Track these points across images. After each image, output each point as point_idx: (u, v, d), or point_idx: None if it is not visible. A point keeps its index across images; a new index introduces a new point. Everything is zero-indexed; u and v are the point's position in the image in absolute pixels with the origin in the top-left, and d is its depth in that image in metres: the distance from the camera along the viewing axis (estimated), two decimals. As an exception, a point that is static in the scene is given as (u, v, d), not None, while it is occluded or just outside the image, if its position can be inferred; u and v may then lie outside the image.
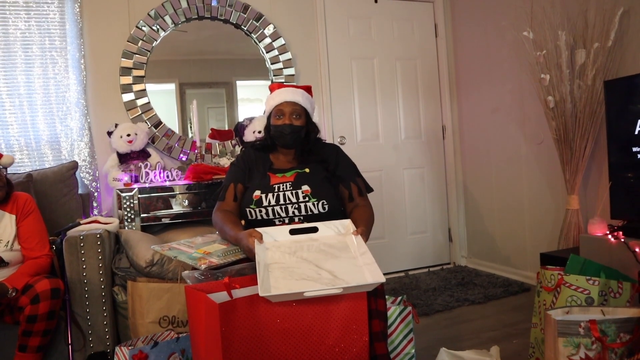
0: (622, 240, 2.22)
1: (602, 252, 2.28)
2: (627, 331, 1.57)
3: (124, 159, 2.93)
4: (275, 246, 1.58)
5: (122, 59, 3.09)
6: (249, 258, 1.64)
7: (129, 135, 2.91)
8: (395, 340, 1.99)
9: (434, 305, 2.95)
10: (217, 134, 3.26)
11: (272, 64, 3.44)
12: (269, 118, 1.97)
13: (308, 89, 2.01)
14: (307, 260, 1.48)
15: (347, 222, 1.66)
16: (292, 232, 1.64)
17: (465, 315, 2.80)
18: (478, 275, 3.61)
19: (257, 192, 1.80)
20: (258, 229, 1.60)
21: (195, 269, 1.60)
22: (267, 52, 3.43)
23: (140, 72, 3.13)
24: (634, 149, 2.34)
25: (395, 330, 1.99)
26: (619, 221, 2.40)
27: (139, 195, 2.68)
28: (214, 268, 1.60)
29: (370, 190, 1.97)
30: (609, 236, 2.29)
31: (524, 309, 2.79)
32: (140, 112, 3.13)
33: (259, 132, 2.95)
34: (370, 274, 1.39)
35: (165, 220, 2.76)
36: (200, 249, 1.73)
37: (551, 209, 3.18)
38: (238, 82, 3.47)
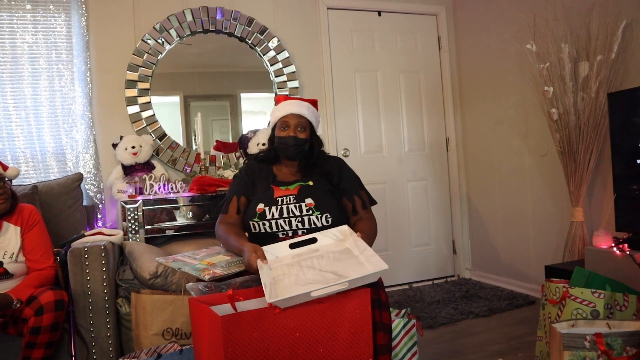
0: (628, 252, 2.21)
1: (608, 264, 2.27)
2: (634, 345, 1.56)
3: (128, 171, 2.95)
4: (278, 262, 1.58)
5: (128, 72, 3.12)
6: (251, 271, 1.64)
7: (133, 147, 2.92)
8: (399, 353, 1.98)
9: (438, 318, 2.94)
10: (221, 146, 3.28)
11: (276, 76, 3.46)
12: (273, 129, 1.97)
13: (314, 103, 2.01)
14: (311, 267, 1.50)
15: (344, 228, 1.67)
16: (292, 246, 1.65)
17: (469, 328, 2.79)
18: (482, 287, 3.59)
19: (261, 205, 1.80)
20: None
21: (199, 281, 1.60)
22: (271, 65, 3.45)
23: (146, 85, 3.15)
24: (639, 161, 2.33)
25: (400, 343, 1.98)
26: (624, 233, 2.39)
27: (143, 207, 2.69)
28: (217, 279, 1.59)
29: (374, 203, 1.97)
30: (614, 249, 2.28)
31: (529, 322, 2.77)
32: (145, 125, 3.15)
33: (263, 144, 2.96)
34: (372, 265, 1.42)
35: (170, 232, 2.76)
36: (204, 260, 1.73)
37: (555, 221, 3.17)
38: (242, 95, 3.49)
